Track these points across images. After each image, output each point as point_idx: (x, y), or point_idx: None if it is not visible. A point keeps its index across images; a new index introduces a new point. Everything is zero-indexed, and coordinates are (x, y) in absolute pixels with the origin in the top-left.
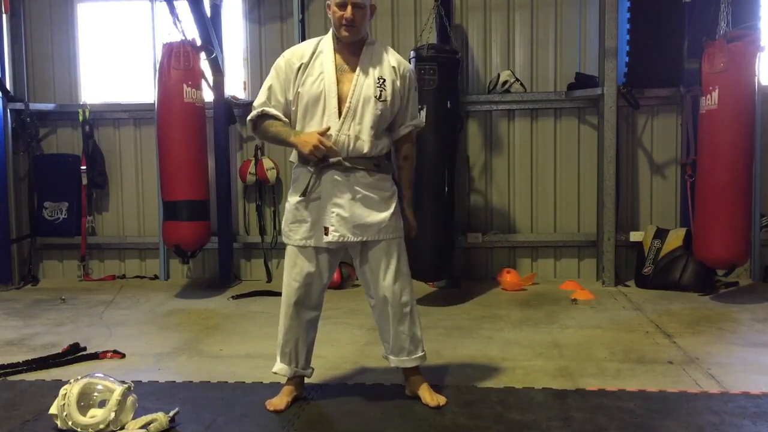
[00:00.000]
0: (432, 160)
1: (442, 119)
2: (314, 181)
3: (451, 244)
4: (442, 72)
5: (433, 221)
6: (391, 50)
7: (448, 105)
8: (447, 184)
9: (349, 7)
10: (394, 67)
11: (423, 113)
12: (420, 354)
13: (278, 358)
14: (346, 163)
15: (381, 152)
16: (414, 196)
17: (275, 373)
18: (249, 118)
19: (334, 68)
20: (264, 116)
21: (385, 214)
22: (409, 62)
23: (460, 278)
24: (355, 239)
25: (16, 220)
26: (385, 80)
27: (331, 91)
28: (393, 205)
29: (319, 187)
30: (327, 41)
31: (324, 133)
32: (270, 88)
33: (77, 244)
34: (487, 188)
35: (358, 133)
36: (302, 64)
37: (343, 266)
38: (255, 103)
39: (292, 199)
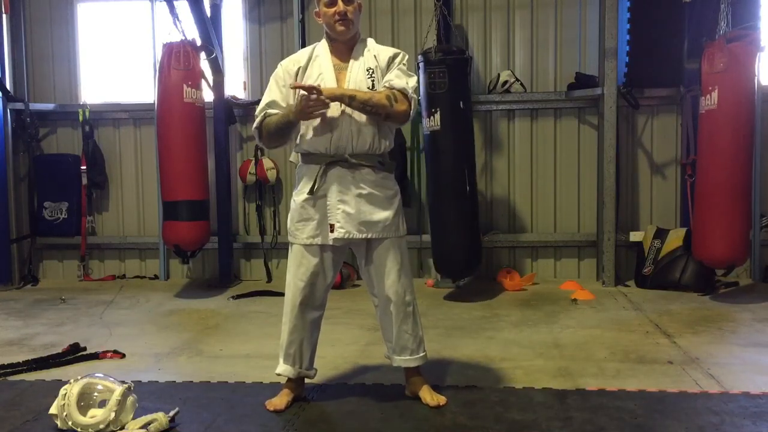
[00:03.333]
0: (451, 161)
1: (457, 120)
2: (321, 179)
3: (476, 241)
4: (452, 73)
5: (456, 220)
6: (377, 44)
7: (461, 105)
8: (468, 183)
9: (340, 2)
10: (375, 56)
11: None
12: (422, 354)
13: (281, 360)
14: (352, 160)
15: (384, 150)
16: (435, 198)
17: (279, 374)
18: (255, 126)
19: (332, 67)
20: (266, 118)
21: (389, 212)
22: (418, 67)
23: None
24: (361, 236)
25: (16, 220)
26: (374, 70)
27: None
28: (396, 204)
29: (326, 185)
30: (322, 46)
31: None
32: (270, 96)
33: (77, 244)
34: (488, 188)
35: (360, 126)
36: (300, 67)
37: (343, 266)
38: (257, 112)
39: (298, 198)
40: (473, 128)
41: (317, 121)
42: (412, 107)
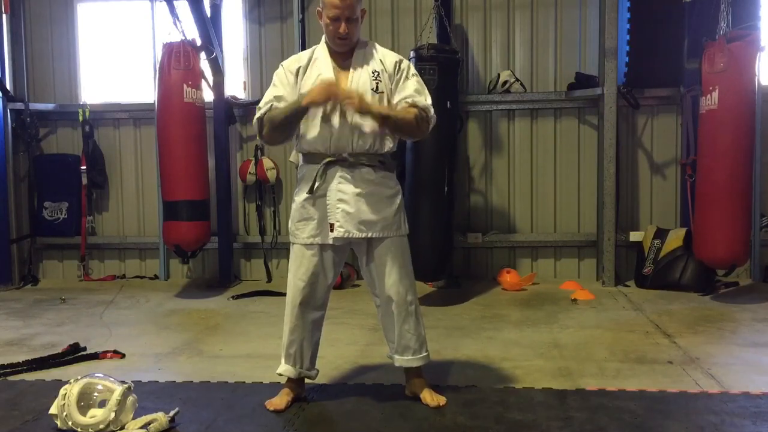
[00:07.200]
0: (431, 161)
1: (441, 119)
2: (320, 178)
3: (449, 243)
4: (442, 72)
5: (432, 221)
6: (380, 47)
7: (448, 105)
8: (446, 184)
9: (344, 24)
10: (381, 60)
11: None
12: (424, 354)
13: (283, 359)
14: (351, 159)
15: (387, 150)
16: (413, 196)
17: (280, 374)
18: (257, 117)
19: (331, 69)
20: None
21: (389, 211)
22: (410, 62)
23: (460, 278)
24: (361, 235)
25: (16, 220)
26: (379, 73)
27: None
28: (397, 203)
29: (325, 184)
30: (321, 48)
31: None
32: (276, 91)
33: (77, 244)
34: (487, 188)
35: (361, 127)
36: (300, 67)
37: (343, 266)
38: (261, 104)
39: (299, 198)
40: (459, 130)
41: (318, 120)
42: (431, 126)
